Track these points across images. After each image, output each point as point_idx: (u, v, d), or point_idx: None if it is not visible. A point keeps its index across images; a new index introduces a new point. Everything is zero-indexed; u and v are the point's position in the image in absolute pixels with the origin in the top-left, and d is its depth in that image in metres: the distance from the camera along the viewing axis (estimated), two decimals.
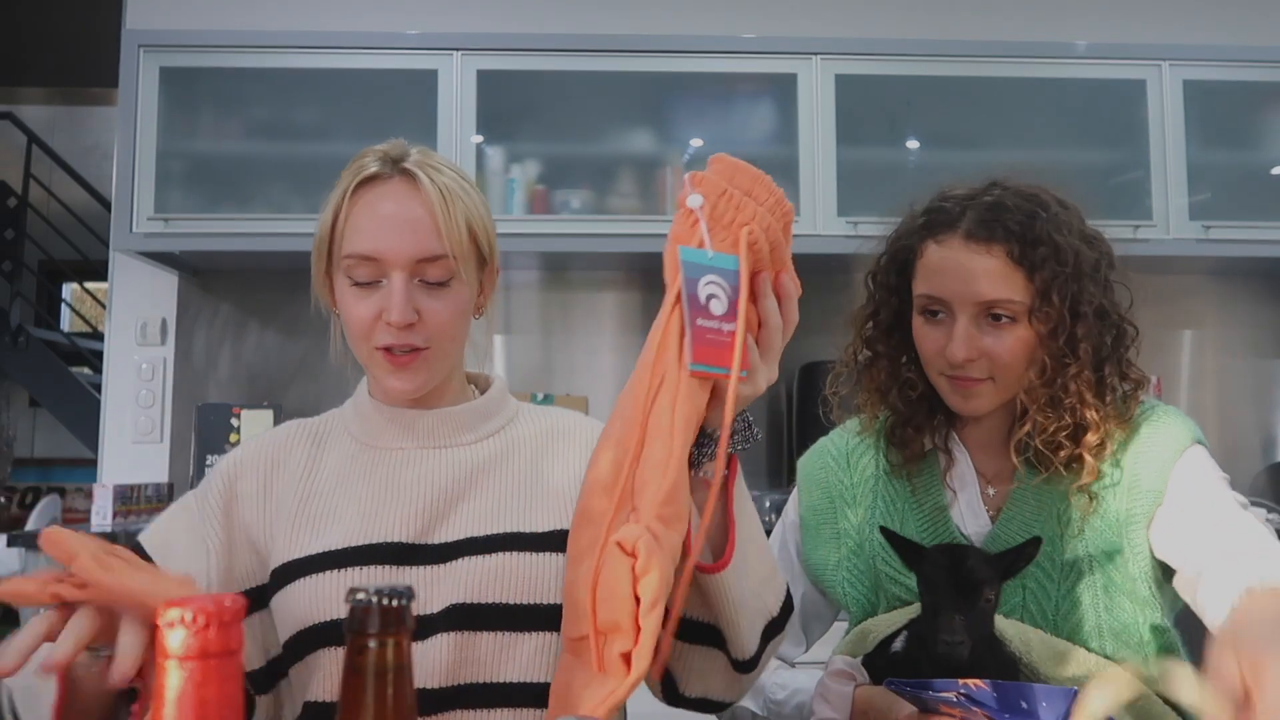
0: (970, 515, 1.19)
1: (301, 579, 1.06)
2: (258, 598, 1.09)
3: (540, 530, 1.09)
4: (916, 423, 1.21)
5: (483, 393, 1.20)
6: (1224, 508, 1.10)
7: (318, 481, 1.13)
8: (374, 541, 1.07)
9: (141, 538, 1.12)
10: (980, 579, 1.00)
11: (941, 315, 1.15)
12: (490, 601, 1.05)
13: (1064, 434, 1.12)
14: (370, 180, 1.09)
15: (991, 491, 1.21)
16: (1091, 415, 1.12)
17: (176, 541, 1.11)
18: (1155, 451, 1.15)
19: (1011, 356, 1.13)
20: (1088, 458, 1.13)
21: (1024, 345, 1.13)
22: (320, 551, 1.07)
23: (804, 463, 1.34)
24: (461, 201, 1.10)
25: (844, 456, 1.30)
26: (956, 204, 1.17)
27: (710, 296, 0.80)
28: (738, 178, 0.85)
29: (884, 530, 1.08)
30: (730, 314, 0.81)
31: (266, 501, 1.12)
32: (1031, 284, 1.11)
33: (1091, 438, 1.12)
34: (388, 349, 1.09)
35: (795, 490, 1.33)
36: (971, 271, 1.12)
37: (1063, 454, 1.13)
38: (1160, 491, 1.13)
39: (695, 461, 0.88)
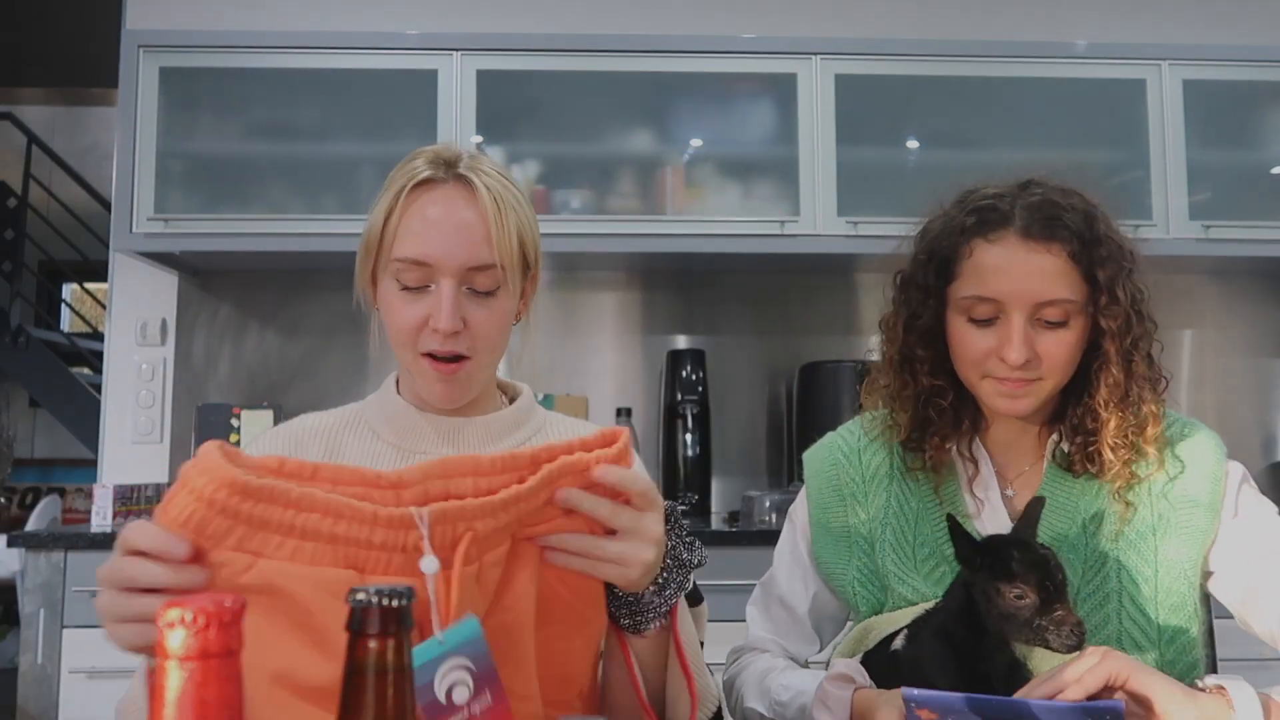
0: (992, 521, 1.18)
1: None
2: None
3: None
4: (943, 432, 1.19)
5: (511, 401, 1.20)
6: None
7: None
8: None
9: None
10: (1062, 567, 0.98)
11: (989, 317, 1.12)
12: None
13: (1131, 432, 1.13)
14: (424, 184, 1.09)
15: (1010, 493, 1.20)
16: (1151, 410, 1.13)
17: None
18: (1204, 462, 1.16)
19: (1065, 357, 1.11)
20: (1151, 451, 1.13)
21: (1075, 345, 1.12)
22: None
23: (811, 458, 1.31)
24: (514, 211, 1.11)
25: (855, 453, 1.27)
26: (1005, 201, 1.13)
27: (451, 687, 0.74)
28: (446, 470, 0.79)
29: (951, 518, 1.01)
30: (484, 682, 0.74)
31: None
32: (1088, 283, 1.10)
33: (1151, 431, 1.13)
34: (431, 355, 1.08)
35: (804, 489, 1.31)
36: (1030, 270, 1.09)
37: (1123, 454, 1.13)
38: (1217, 503, 1.15)
39: (636, 627, 0.92)
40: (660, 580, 0.90)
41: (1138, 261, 1.14)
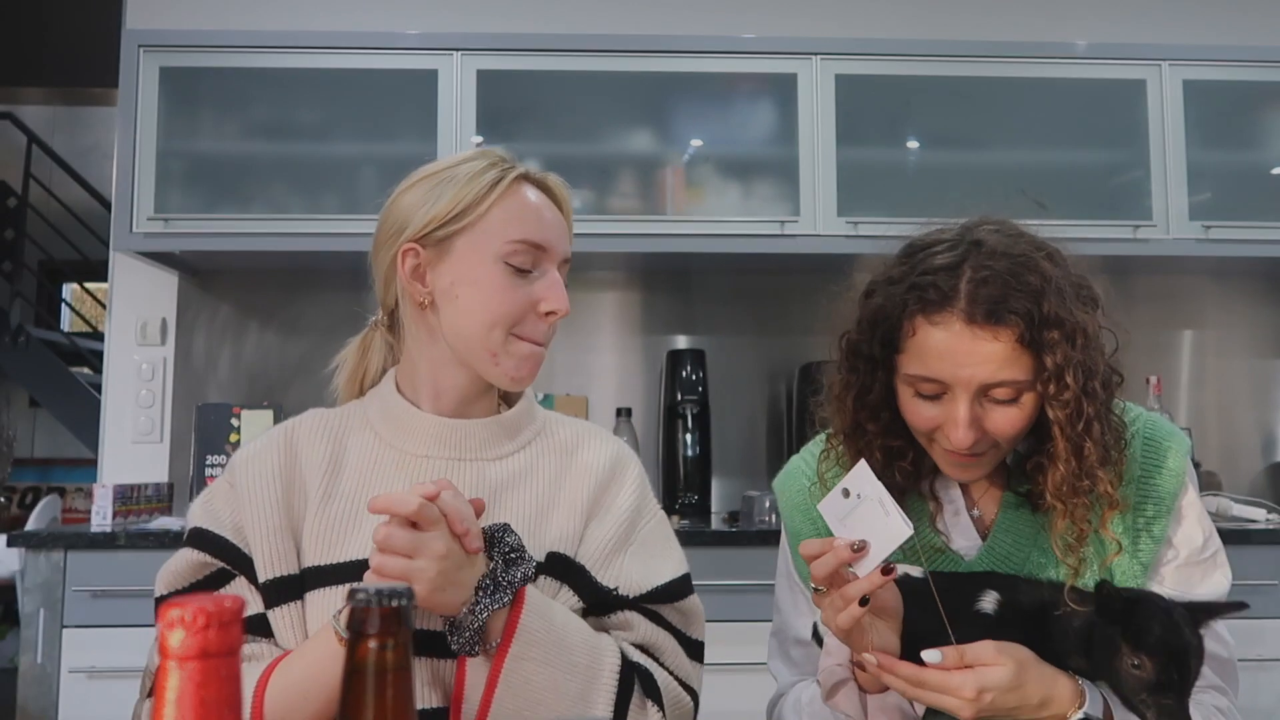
0: (962, 540, 1.18)
1: (330, 587, 1.06)
2: (288, 588, 1.07)
3: (565, 554, 1.11)
4: (905, 485, 1.16)
5: (510, 404, 1.20)
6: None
7: (341, 480, 1.12)
8: None
9: (199, 524, 1.11)
10: (1201, 659, 0.99)
11: (936, 394, 1.08)
12: None
13: (1083, 525, 1.08)
14: (520, 178, 1.15)
15: (977, 513, 1.19)
16: (1107, 489, 1.07)
17: (230, 522, 1.11)
18: (1165, 496, 1.14)
19: (1014, 430, 1.08)
20: (1107, 533, 1.09)
21: (1026, 416, 1.07)
22: (350, 560, 1.07)
23: (780, 486, 1.30)
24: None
25: (820, 478, 1.24)
26: (948, 277, 1.06)
27: None
28: None
29: (1104, 585, 1.01)
30: None
31: (292, 491, 1.11)
32: (1037, 364, 1.04)
33: (1108, 514, 1.09)
34: (528, 338, 1.12)
35: (783, 519, 1.30)
36: (975, 358, 1.04)
37: (1090, 529, 1.09)
38: (1167, 521, 1.14)
39: (462, 648, 0.98)
40: (474, 598, 0.98)
41: (1090, 337, 1.06)
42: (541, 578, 1.08)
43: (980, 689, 0.95)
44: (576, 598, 1.11)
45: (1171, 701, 0.95)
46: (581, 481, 1.16)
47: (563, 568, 1.11)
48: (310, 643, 1.02)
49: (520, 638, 0.99)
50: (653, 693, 1.08)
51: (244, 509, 1.10)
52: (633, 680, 1.06)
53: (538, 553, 1.09)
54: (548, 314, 1.12)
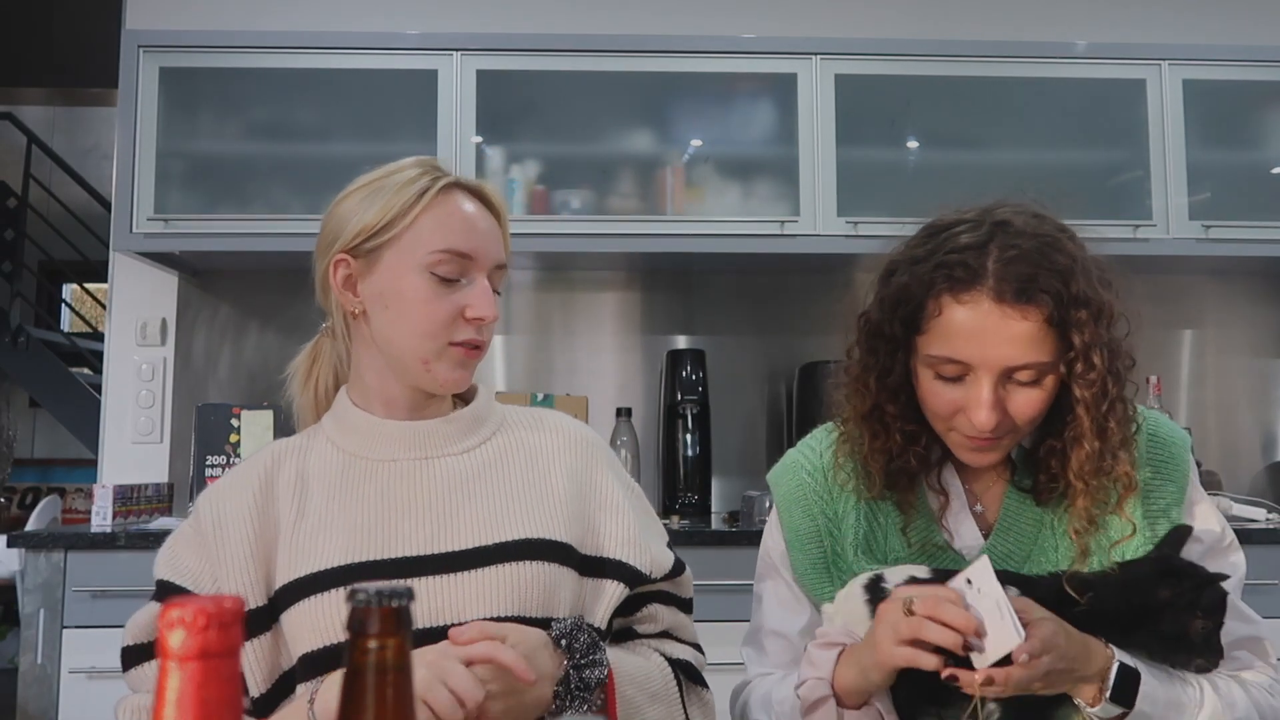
0: (965, 538, 1.17)
1: (308, 598, 1.06)
2: (255, 621, 1.08)
3: (553, 539, 1.12)
4: (914, 470, 1.15)
5: (467, 401, 1.21)
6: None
7: (310, 498, 1.13)
8: (380, 558, 1.08)
9: (163, 575, 1.13)
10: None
11: (957, 375, 1.06)
12: (515, 614, 1.07)
13: (1100, 506, 1.08)
14: (450, 186, 1.14)
15: (979, 509, 1.18)
16: (1127, 469, 1.07)
17: (194, 570, 1.12)
18: (1174, 489, 1.14)
19: (1034, 412, 1.07)
20: (1124, 515, 1.09)
21: (1046, 398, 1.06)
22: (325, 569, 1.07)
23: (777, 480, 1.26)
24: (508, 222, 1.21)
25: (820, 472, 1.22)
26: (976, 256, 1.04)
27: None
28: None
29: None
30: None
31: (265, 521, 1.12)
32: (1062, 345, 1.03)
33: (1126, 496, 1.09)
34: (461, 344, 1.12)
35: (774, 511, 1.26)
36: (1003, 337, 1.02)
37: (1103, 515, 1.09)
38: (1180, 515, 1.14)
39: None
40: (554, 704, 1.02)
41: (1116, 317, 1.06)
42: (541, 563, 1.09)
43: (1040, 650, 0.95)
44: (581, 576, 1.14)
45: (1218, 642, 1.03)
46: (559, 466, 1.18)
47: (560, 553, 1.12)
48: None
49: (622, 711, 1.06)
50: (694, 675, 1.17)
51: (210, 546, 1.10)
52: (680, 677, 1.15)
53: (539, 535, 1.11)
54: (474, 319, 1.12)
